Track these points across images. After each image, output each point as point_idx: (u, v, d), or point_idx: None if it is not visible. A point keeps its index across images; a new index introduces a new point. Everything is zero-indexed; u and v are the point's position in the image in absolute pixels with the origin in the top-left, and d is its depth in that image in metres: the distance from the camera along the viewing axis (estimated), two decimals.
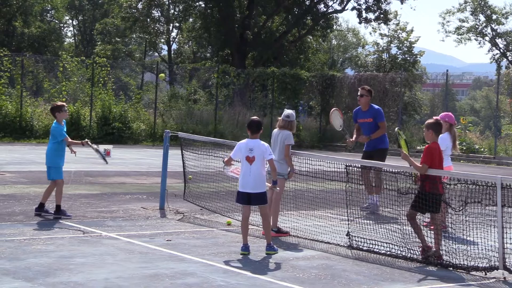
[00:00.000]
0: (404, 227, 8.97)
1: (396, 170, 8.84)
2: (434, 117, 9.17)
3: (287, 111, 9.98)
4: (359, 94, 13.00)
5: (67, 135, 10.78)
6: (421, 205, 8.44)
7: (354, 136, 13.02)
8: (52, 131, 10.75)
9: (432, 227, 8.88)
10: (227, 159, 9.07)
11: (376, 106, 12.92)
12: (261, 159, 8.67)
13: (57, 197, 10.66)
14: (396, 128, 9.59)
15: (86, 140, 11.14)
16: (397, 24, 52.69)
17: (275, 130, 10.02)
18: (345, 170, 9.47)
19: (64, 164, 10.84)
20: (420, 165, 8.43)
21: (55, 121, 10.85)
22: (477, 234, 8.32)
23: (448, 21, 61.01)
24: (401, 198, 8.73)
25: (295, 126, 10.01)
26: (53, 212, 10.63)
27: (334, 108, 13.07)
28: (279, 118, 10.06)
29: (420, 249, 8.51)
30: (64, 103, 11.18)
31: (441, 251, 8.42)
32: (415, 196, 8.54)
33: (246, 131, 9.02)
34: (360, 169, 11.61)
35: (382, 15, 46.35)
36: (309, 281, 7.37)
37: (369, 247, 8.94)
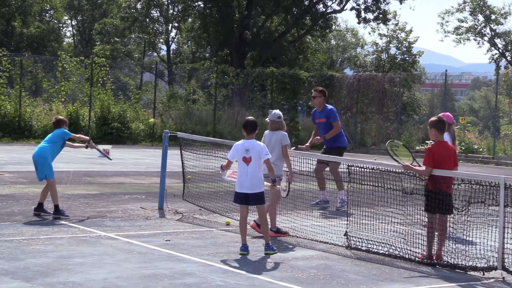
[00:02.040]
0: (403, 227, 8.96)
1: (400, 171, 8.77)
2: (438, 115, 9.16)
3: (277, 112, 9.97)
4: (312, 95, 13.29)
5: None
6: (429, 206, 8.40)
7: (310, 139, 13.14)
8: (62, 134, 10.77)
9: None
10: (225, 164, 9.04)
11: (329, 106, 13.14)
12: (257, 160, 8.66)
13: (53, 197, 10.63)
14: (388, 142, 9.50)
15: (90, 142, 11.06)
16: (396, 24, 52.83)
17: (267, 132, 9.98)
18: (347, 170, 9.40)
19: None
20: (423, 168, 8.41)
21: (62, 128, 10.90)
22: (476, 234, 8.31)
23: (447, 21, 61.06)
24: (405, 198, 8.69)
25: (284, 124, 10.08)
26: (52, 212, 10.62)
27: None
28: (268, 120, 10.01)
29: (424, 253, 8.46)
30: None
31: (441, 252, 8.41)
32: (425, 198, 8.49)
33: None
34: (316, 164, 12.07)
35: (381, 15, 46.39)
36: (308, 281, 7.36)
37: (367, 247, 8.93)
